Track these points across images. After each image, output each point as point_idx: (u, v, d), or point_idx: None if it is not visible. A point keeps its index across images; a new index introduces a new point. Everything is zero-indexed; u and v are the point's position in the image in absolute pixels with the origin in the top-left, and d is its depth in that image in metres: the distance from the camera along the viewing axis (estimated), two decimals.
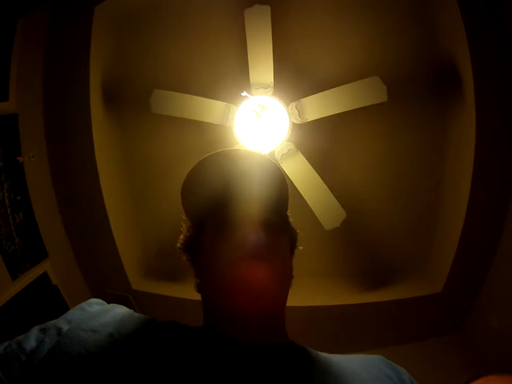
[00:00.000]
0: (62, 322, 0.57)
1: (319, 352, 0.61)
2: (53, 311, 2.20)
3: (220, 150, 0.71)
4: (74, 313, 0.60)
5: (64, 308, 2.27)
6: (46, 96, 2.22)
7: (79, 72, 2.13)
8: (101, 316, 0.59)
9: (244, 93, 1.80)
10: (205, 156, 0.70)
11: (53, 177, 2.32)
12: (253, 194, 0.69)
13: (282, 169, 0.72)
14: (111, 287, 2.52)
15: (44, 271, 2.18)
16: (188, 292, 2.37)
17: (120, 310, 0.62)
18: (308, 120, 1.95)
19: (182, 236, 0.75)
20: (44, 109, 2.24)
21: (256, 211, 0.66)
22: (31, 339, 0.55)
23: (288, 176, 2.01)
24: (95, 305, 0.63)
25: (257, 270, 0.59)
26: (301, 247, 0.76)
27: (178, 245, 0.75)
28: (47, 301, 2.19)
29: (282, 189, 0.74)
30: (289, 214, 0.77)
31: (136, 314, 0.62)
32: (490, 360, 2.15)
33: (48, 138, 2.28)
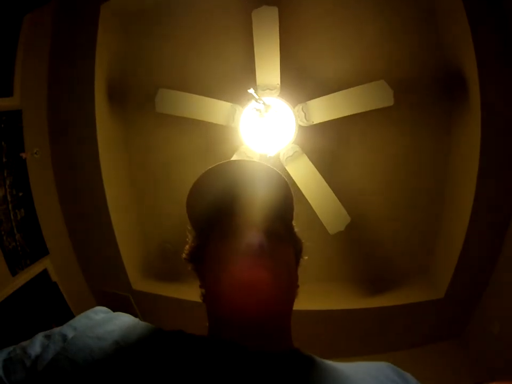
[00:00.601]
0: (67, 329, 0.57)
1: (325, 360, 0.60)
2: (52, 308, 2.19)
3: (225, 161, 0.72)
4: (79, 321, 0.60)
5: (64, 306, 2.26)
6: (51, 93, 2.22)
7: (84, 69, 2.12)
8: (106, 323, 0.59)
9: (251, 90, 1.78)
10: (210, 166, 0.71)
11: (55, 174, 2.32)
12: (258, 203, 0.69)
13: (288, 179, 0.72)
14: (111, 286, 2.51)
15: (44, 268, 2.17)
16: (188, 293, 2.36)
17: (125, 318, 0.62)
18: (314, 123, 1.94)
19: (187, 246, 0.75)
20: (48, 106, 2.24)
21: (260, 220, 0.67)
22: (36, 345, 0.54)
23: (292, 179, 2.00)
24: (100, 313, 0.63)
25: (261, 279, 0.59)
26: (306, 257, 0.76)
27: (183, 255, 0.75)
28: (46, 298, 2.18)
29: (287, 199, 0.74)
30: (294, 224, 0.77)
31: (142, 323, 0.62)
32: (491, 365, 2.15)
33: (51, 135, 2.27)
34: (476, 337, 2.36)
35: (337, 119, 1.90)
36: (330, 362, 0.60)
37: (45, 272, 2.18)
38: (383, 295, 2.50)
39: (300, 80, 2.21)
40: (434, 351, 2.42)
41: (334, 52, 2.24)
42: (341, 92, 1.85)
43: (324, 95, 1.88)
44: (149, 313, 2.49)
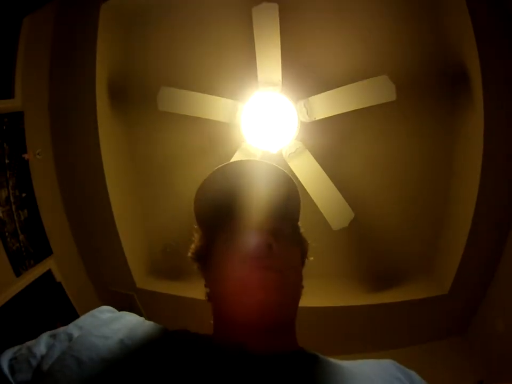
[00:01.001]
0: (72, 328, 0.57)
1: (329, 358, 0.61)
2: (57, 308, 2.20)
3: (232, 161, 0.72)
4: (85, 320, 0.60)
5: (68, 305, 2.27)
6: (52, 93, 2.21)
7: (85, 69, 2.12)
8: (112, 322, 0.59)
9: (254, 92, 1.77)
10: (217, 166, 0.71)
11: (58, 175, 2.32)
12: (264, 204, 0.69)
13: (291, 176, 0.73)
14: (116, 285, 2.52)
15: (48, 269, 2.17)
16: (192, 291, 2.36)
17: (131, 318, 0.63)
18: (316, 119, 1.93)
19: (193, 245, 0.75)
20: (49, 107, 2.23)
21: (267, 220, 0.67)
22: (42, 344, 0.55)
23: (296, 175, 2.00)
24: (106, 313, 0.63)
25: (268, 280, 0.59)
26: (311, 258, 0.77)
27: (189, 254, 0.75)
28: (51, 298, 2.19)
29: (293, 199, 0.74)
30: (300, 225, 0.77)
31: (147, 322, 0.62)
32: (496, 362, 2.15)
33: (53, 135, 2.27)
34: (480, 333, 2.35)
35: (340, 114, 1.90)
36: (334, 361, 0.60)
37: (49, 273, 2.18)
38: (387, 291, 2.50)
39: (302, 76, 2.20)
40: (438, 347, 2.43)
41: (335, 47, 2.23)
42: (343, 87, 1.84)
43: (326, 90, 1.87)
44: (153, 311, 2.49)
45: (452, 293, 2.32)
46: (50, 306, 2.17)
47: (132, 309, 2.42)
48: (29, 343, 0.56)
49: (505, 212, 2.07)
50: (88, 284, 2.52)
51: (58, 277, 2.23)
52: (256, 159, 1.97)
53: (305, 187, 2.00)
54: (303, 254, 0.74)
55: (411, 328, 2.46)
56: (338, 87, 1.85)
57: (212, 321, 0.68)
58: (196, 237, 0.75)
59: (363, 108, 1.86)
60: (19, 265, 1.98)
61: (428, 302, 2.38)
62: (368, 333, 2.45)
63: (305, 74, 2.22)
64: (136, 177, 2.59)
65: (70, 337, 0.55)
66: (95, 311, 0.63)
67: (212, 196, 0.71)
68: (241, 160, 0.72)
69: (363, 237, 2.51)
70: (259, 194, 0.70)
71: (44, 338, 0.56)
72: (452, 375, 2.20)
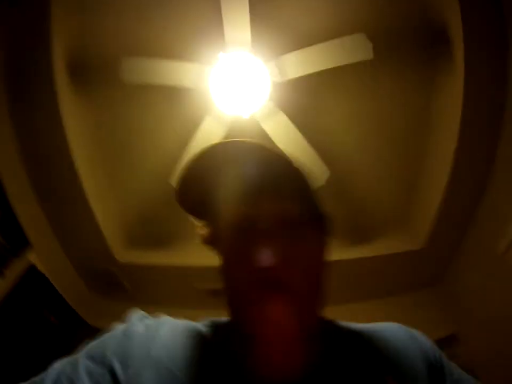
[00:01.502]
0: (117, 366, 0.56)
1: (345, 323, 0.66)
2: (46, 300, 2.20)
3: (211, 144, 0.60)
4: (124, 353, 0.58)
5: (56, 295, 2.24)
6: (7, 73, 2.06)
7: (41, 46, 1.96)
8: (150, 347, 0.58)
9: (221, 53, 1.71)
10: (197, 152, 0.60)
11: (24, 161, 2.24)
12: (264, 188, 0.59)
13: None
14: (97, 263, 2.47)
15: (30, 261, 2.14)
16: (173, 257, 2.34)
17: (163, 333, 0.62)
18: (289, 78, 1.87)
19: (201, 234, 0.68)
20: (7, 89, 2.09)
21: (270, 208, 0.57)
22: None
23: (269, 137, 1.96)
24: (130, 334, 0.61)
25: (277, 308, 0.53)
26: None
27: (202, 241, 0.69)
28: (38, 291, 2.18)
29: (292, 174, 0.61)
30: (318, 200, 0.66)
31: (179, 334, 0.62)
32: (468, 314, 2.30)
33: (12, 117, 2.14)
34: (454, 286, 2.48)
35: (315, 73, 1.84)
36: (350, 325, 0.65)
37: (32, 266, 2.15)
38: (363, 245, 2.58)
39: (273, 33, 2.07)
40: (413, 300, 2.57)
41: (310, 4, 2.09)
42: (317, 45, 1.78)
43: (299, 48, 1.80)
44: (138, 284, 2.46)
45: (427, 247, 2.41)
46: (39, 299, 2.17)
47: (116, 284, 2.37)
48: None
49: (481, 168, 2.11)
50: (70, 269, 2.46)
51: (42, 269, 2.21)
52: (230, 126, 1.92)
53: (280, 148, 1.96)
54: (326, 236, 0.66)
55: (386, 281, 2.57)
56: (312, 45, 1.78)
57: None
58: (198, 225, 0.69)
59: (339, 67, 1.80)
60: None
61: (403, 256, 2.46)
62: (343, 286, 2.45)
63: (276, 31, 2.09)
64: (104, 150, 2.50)
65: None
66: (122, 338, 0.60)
67: (199, 183, 0.62)
68: (219, 143, 0.61)
69: (339, 193, 2.51)
70: (252, 178, 0.60)
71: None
72: (425, 326, 2.28)
